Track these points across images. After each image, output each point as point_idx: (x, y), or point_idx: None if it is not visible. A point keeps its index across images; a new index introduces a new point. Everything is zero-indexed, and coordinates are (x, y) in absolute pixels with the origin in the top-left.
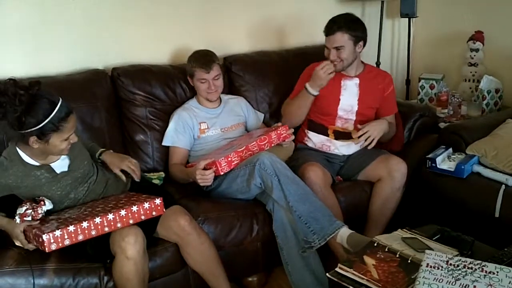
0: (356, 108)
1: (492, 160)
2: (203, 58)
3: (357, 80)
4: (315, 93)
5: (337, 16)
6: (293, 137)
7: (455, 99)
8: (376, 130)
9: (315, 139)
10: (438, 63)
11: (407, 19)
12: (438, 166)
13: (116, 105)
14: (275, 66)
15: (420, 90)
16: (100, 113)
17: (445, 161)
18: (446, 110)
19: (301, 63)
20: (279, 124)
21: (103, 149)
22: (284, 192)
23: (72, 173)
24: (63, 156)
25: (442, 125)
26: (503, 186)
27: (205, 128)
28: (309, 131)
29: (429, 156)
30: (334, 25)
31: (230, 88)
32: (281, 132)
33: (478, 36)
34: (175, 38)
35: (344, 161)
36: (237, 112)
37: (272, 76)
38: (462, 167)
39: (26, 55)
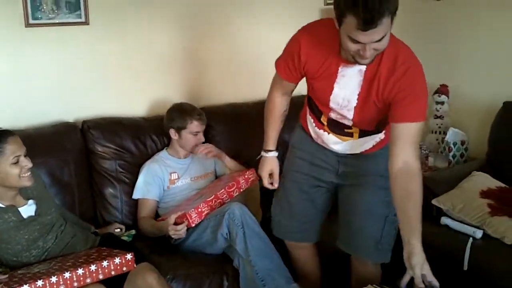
0: (354, 103)
1: (459, 213)
2: (196, 110)
3: (363, 66)
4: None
5: None
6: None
7: (423, 150)
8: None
9: (310, 127)
10: None
11: None
12: None
13: (86, 159)
14: (246, 118)
15: None
16: (70, 167)
17: None
18: None
19: None
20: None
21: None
22: (247, 245)
23: (40, 219)
24: (29, 201)
25: None
26: (471, 239)
27: (175, 179)
28: (307, 114)
29: None
30: (375, 12)
31: None
32: (248, 177)
33: (443, 90)
34: (149, 90)
35: (338, 168)
36: (206, 161)
37: (243, 128)
38: None
39: None
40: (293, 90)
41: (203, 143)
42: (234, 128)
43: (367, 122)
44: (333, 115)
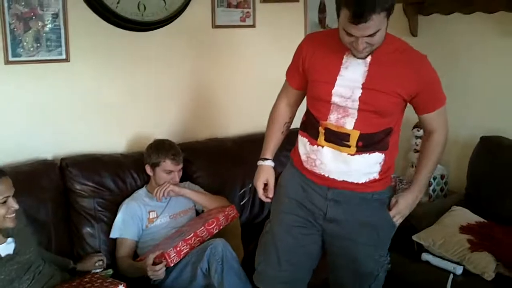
0: (358, 93)
1: (440, 249)
2: (172, 149)
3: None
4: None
5: None
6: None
7: (403, 185)
8: (404, 212)
9: (301, 150)
10: None
11: None
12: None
13: (64, 197)
14: (228, 153)
15: None
16: (46, 205)
17: None
18: None
19: (254, 149)
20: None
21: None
22: (223, 280)
23: (18, 258)
24: (9, 239)
25: None
26: (451, 275)
27: (154, 217)
28: (300, 136)
29: None
30: (365, 7)
31: (182, 174)
32: (228, 213)
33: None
34: (129, 126)
35: (326, 211)
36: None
37: (225, 162)
38: None
39: None
40: (298, 103)
41: (182, 180)
42: (215, 164)
43: (372, 119)
44: (333, 118)
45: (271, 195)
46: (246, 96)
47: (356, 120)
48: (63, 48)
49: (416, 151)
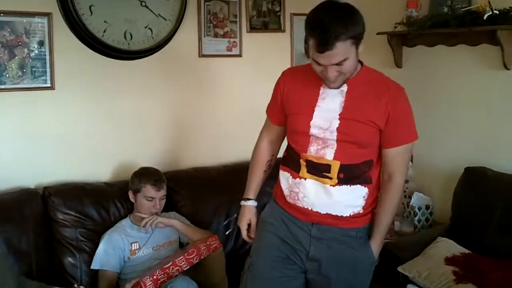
0: (336, 124)
1: (425, 280)
2: (155, 175)
3: (344, 87)
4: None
5: (324, 16)
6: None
7: None
8: None
9: (284, 184)
10: None
11: None
12: None
13: (46, 226)
14: (213, 182)
15: None
16: (28, 235)
17: None
18: None
19: (239, 179)
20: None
21: None
22: None
23: None
24: None
25: None
26: None
27: (136, 249)
28: (281, 171)
29: None
30: (330, 35)
31: (167, 203)
32: (210, 243)
33: None
34: (114, 155)
35: (309, 250)
36: (170, 229)
37: (210, 192)
38: None
39: None
40: (280, 139)
41: (167, 210)
42: (199, 193)
43: (351, 150)
44: (313, 150)
45: (253, 236)
46: (231, 126)
47: (336, 150)
48: (48, 76)
49: None
